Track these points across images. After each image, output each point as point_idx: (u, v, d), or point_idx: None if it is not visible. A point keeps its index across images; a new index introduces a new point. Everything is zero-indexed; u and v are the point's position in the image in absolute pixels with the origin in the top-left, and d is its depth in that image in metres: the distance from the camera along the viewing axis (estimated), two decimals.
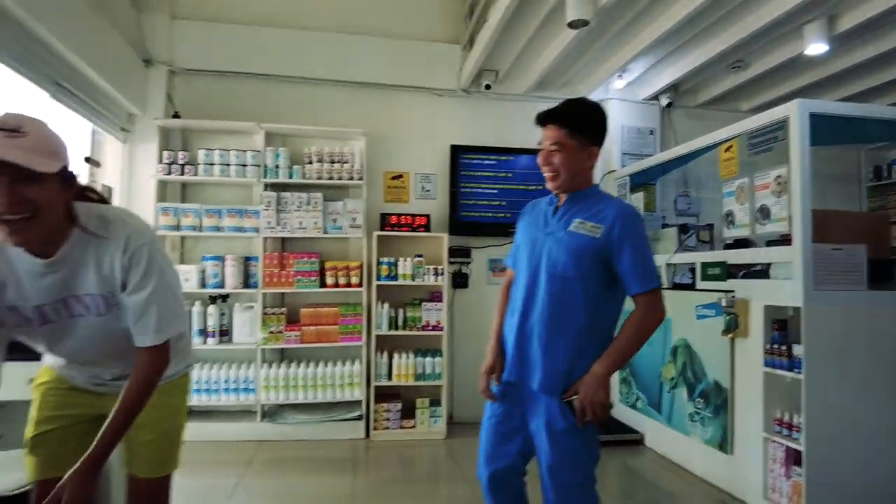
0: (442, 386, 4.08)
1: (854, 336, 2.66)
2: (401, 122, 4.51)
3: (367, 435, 3.99)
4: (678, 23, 3.38)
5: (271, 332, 3.93)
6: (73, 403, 1.53)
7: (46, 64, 2.93)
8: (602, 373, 1.62)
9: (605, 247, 1.66)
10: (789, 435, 2.65)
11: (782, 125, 2.79)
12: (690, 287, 3.46)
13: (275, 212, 3.98)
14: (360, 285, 4.05)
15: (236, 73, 4.26)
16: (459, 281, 4.50)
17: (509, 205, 4.49)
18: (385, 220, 4.21)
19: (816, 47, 3.55)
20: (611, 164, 4.65)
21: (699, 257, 3.44)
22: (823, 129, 2.75)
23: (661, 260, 3.65)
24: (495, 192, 4.52)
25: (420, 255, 4.16)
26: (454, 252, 4.42)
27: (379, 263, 4.07)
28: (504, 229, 4.37)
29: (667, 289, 3.10)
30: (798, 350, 2.61)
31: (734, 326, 2.98)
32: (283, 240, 4.19)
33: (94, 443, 1.27)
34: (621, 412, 4.12)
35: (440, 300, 4.14)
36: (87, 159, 3.74)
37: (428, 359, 4.06)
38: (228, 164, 3.98)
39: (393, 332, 4.06)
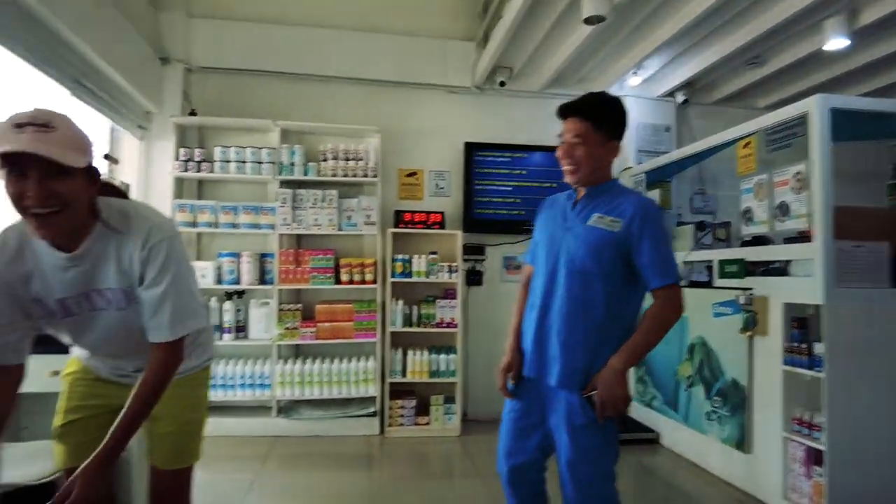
0: (456, 383, 4.08)
1: (876, 334, 2.61)
2: (415, 120, 4.51)
3: (382, 431, 4.00)
4: (695, 19, 3.35)
5: (287, 329, 3.95)
6: (99, 394, 1.56)
7: (67, 62, 2.98)
8: (620, 367, 1.60)
9: (625, 241, 1.64)
10: (809, 434, 2.61)
11: (802, 121, 2.75)
12: (707, 285, 3.43)
13: (290, 209, 4.00)
14: (374, 282, 4.06)
15: (252, 71, 4.29)
16: (473, 278, 4.50)
17: (523, 202, 4.47)
18: (399, 218, 4.22)
19: (837, 42, 3.50)
20: (626, 162, 4.62)
21: (717, 254, 3.40)
22: (844, 125, 2.71)
23: (677, 258, 3.58)
24: (509, 189, 4.50)
25: (434, 253, 4.16)
26: (468, 249, 4.42)
27: (393, 260, 4.08)
28: (518, 227, 4.38)
29: (683, 286, 3.07)
30: (819, 348, 2.58)
31: (753, 324, 2.95)
32: (299, 237, 4.21)
33: (105, 440, 1.28)
34: (637, 411, 4.09)
35: (454, 297, 4.14)
36: (106, 156, 3.78)
37: (442, 356, 4.06)
38: (244, 162, 4.01)
39: (407, 329, 4.07)
